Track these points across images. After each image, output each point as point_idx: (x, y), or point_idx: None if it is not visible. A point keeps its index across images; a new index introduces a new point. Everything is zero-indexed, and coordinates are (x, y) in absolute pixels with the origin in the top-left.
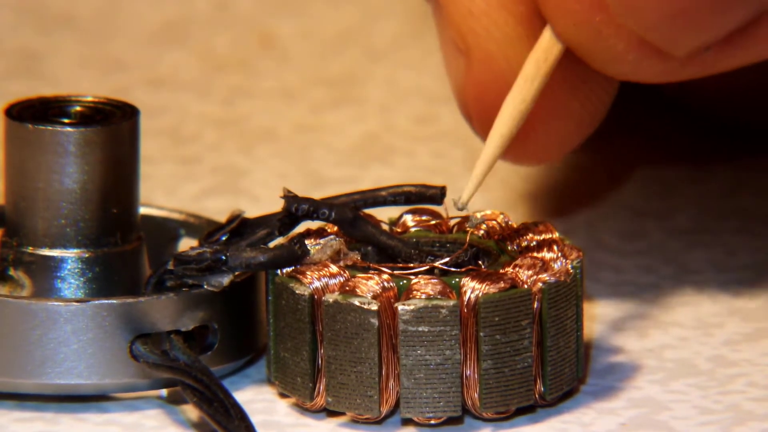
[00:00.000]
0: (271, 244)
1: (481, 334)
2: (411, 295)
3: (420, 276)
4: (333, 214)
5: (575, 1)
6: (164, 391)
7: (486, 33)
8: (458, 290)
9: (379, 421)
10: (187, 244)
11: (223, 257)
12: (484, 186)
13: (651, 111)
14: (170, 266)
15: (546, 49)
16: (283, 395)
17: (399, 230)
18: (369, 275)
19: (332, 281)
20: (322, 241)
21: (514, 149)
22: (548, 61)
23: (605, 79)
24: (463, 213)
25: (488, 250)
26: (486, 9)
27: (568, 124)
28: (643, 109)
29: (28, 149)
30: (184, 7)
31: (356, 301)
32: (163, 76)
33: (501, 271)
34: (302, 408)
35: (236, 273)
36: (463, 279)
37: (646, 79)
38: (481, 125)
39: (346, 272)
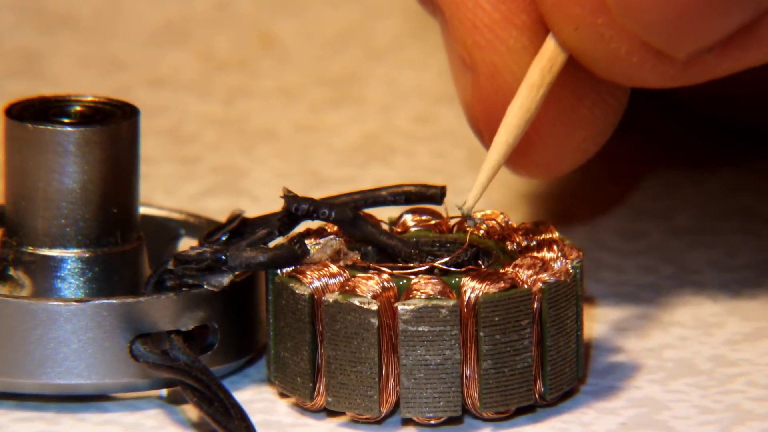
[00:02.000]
0: (271, 244)
1: (481, 333)
2: (411, 295)
3: (420, 276)
4: (333, 213)
5: (576, 4)
6: (164, 391)
7: (490, 46)
8: (458, 290)
9: (379, 421)
10: (187, 243)
11: (223, 257)
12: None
13: (651, 111)
14: (170, 266)
15: (550, 57)
16: (283, 395)
17: (399, 230)
18: (369, 275)
19: (332, 281)
20: (322, 240)
21: (527, 162)
22: (552, 69)
23: (615, 86)
24: (468, 214)
25: (488, 250)
26: (489, 22)
27: (578, 133)
28: (643, 109)
29: (28, 149)
30: (184, 7)
31: (356, 301)
32: (163, 76)
33: (501, 270)
34: (302, 408)
35: (236, 273)
36: (463, 279)
37: (650, 84)
38: (491, 139)
39: (346, 272)
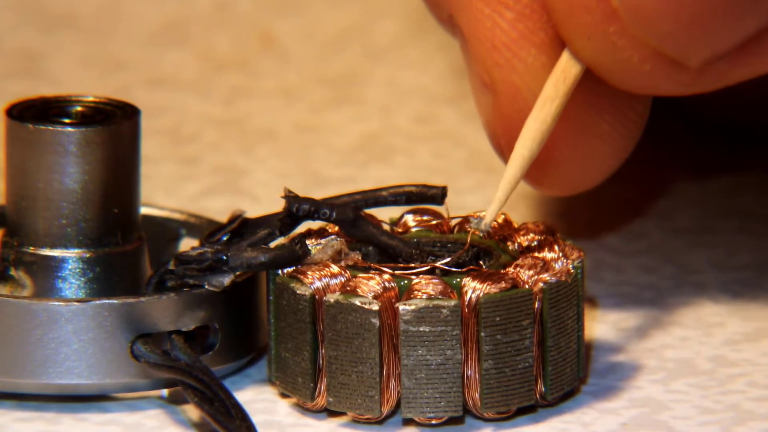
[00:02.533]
0: (272, 244)
1: (482, 334)
2: (412, 295)
3: (421, 276)
4: (334, 214)
5: (587, 13)
6: (165, 391)
7: (509, 65)
8: (459, 290)
9: (380, 422)
10: (187, 244)
11: (224, 257)
12: (485, 186)
13: (652, 112)
14: (171, 266)
15: (564, 69)
16: (284, 395)
17: (400, 230)
18: (370, 275)
19: (333, 281)
20: (323, 241)
21: (550, 179)
22: (566, 81)
23: (635, 100)
24: (487, 230)
25: (489, 250)
26: (508, 42)
27: (600, 148)
28: None
29: (29, 149)
30: (184, 7)
31: (357, 301)
32: (163, 76)
33: (502, 271)
34: (303, 408)
35: (237, 273)
36: (464, 279)
37: (664, 92)
38: None
39: (347, 272)
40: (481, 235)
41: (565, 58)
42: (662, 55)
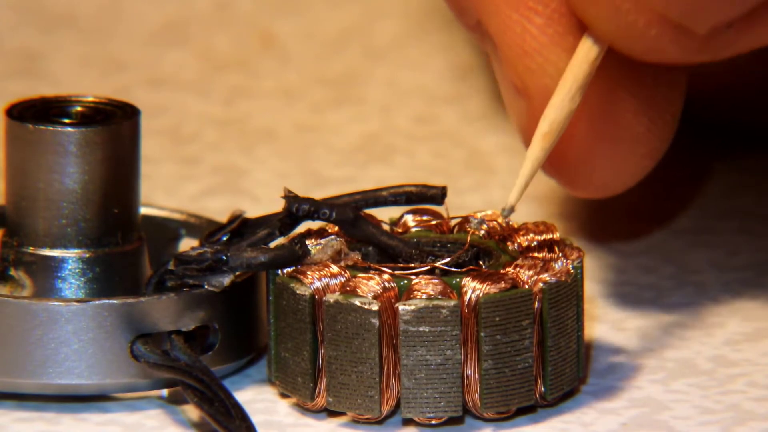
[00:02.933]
0: (272, 245)
1: (482, 334)
2: (412, 295)
3: (421, 276)
4: (334, 214)
5: None
6: (165, 391)
7: (541, 70)
8: (459, 290)
9: (379, 421)
10: (187, 244)
11: (224, 257)
12: (485, 186)
13: None
14: (171, 266)
15: (577, 49)
16: (283, 395)
17: (400, 230)
18: (370, 275)
19: (333, 281)
20: (322, 241)
21: (586, 182)
22: (578, 56)
23: (669, 102)
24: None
25: (489, 250)
26: (538, 46)
27: (636, 149)
28: None
29: (29, 149)
30: (184, 7)
31: (357, 302)
32: (163, 76)
33: (502, 271)
34: (303, 408)
35: (237, 273)
36: (463, 279)
37: (672, 59)
38: (548, 162)
39: (347, 272)
40: (507, 219)
41: (583, 39)
42: (668, 20)
